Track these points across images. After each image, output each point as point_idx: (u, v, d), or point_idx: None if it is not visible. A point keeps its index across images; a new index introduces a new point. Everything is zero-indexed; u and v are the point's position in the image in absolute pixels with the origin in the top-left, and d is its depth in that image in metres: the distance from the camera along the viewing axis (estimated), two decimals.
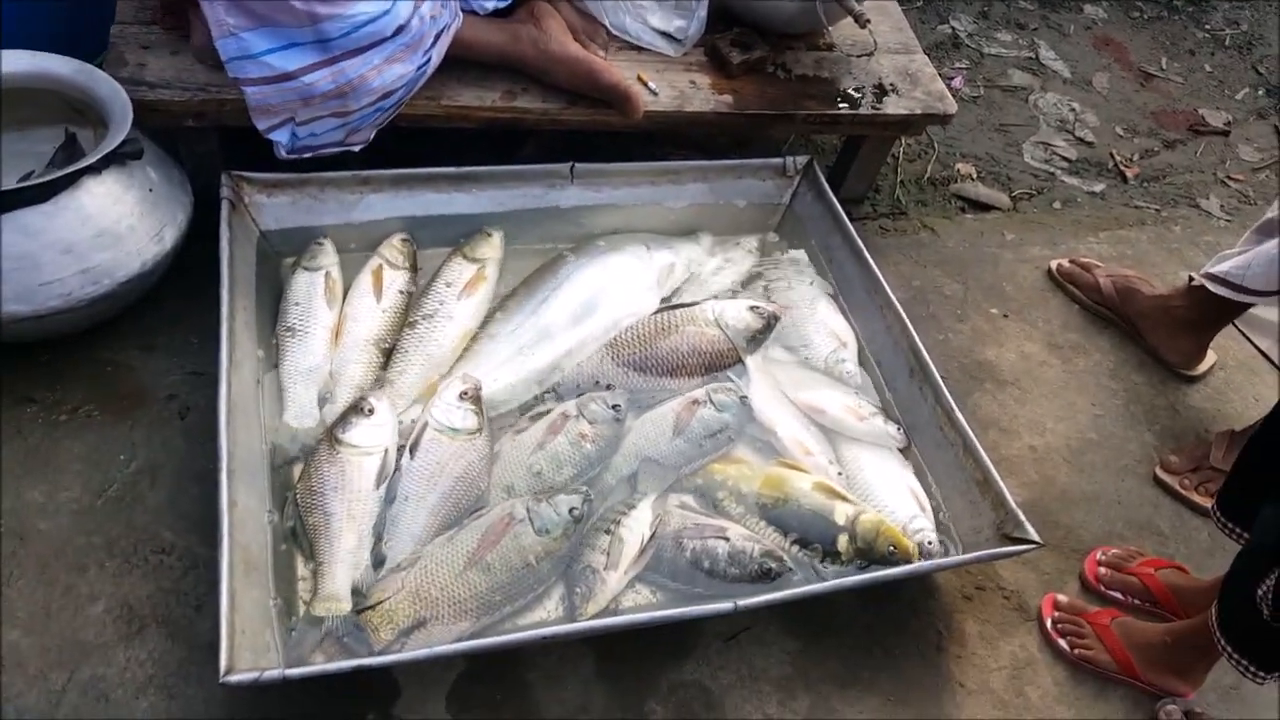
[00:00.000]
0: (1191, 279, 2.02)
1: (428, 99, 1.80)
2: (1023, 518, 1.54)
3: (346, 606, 1.40)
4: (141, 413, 1.61)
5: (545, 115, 1.88)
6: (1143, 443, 1.95)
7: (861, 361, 1.87)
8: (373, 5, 1.52)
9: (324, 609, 1.39)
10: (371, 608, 1.39)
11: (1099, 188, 2.64)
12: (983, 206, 2.49)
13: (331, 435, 1.53)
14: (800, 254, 2.08)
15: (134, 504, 1.50)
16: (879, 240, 2.27)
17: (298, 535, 1.46)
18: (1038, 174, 2.64)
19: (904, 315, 1.81)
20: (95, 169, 1.51)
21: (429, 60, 1.69)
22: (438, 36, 1.69)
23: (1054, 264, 2.27)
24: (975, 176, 2.57)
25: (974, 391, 1.98)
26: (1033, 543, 1.51)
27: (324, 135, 1.68)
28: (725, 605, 1.37)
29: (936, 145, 2.62)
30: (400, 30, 1.58)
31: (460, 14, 1.76)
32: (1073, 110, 2.88)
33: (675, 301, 1.88)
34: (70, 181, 1.50)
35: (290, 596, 1.41)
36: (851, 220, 2.27)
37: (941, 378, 1.85)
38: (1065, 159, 2.71)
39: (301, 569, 1.45)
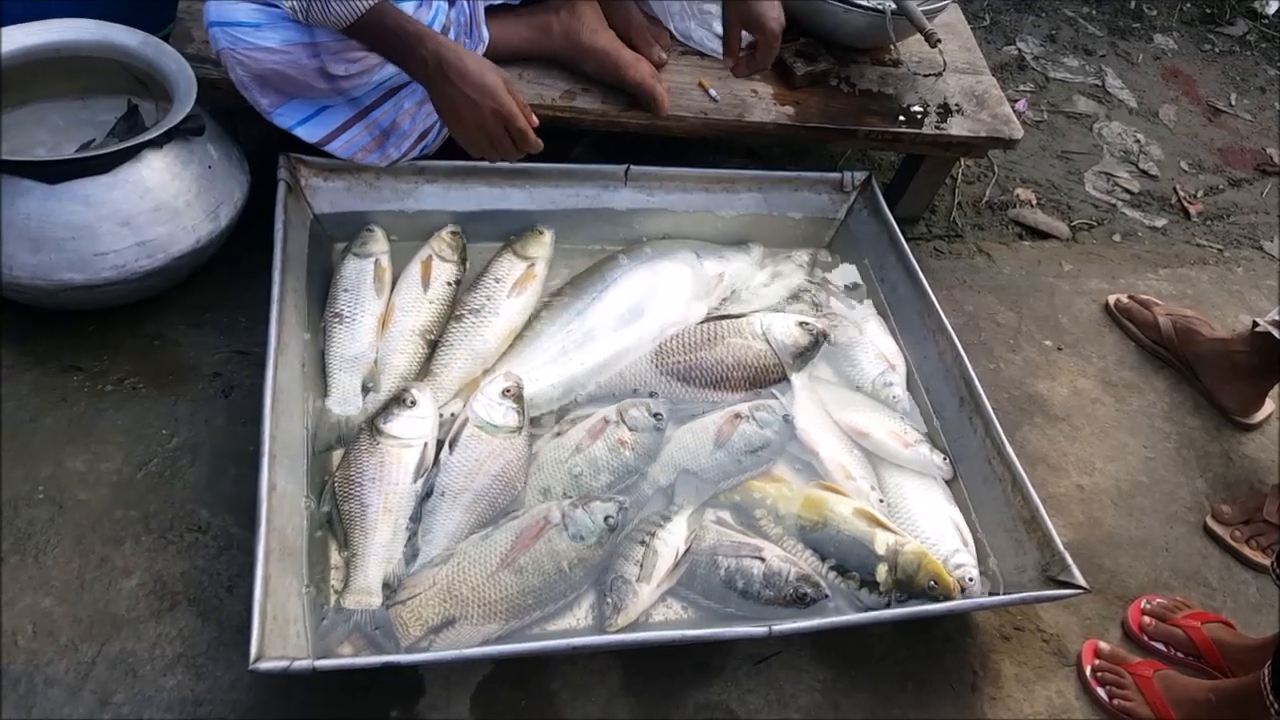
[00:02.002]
0: (1256, 324, 1.96)
1: None
2: (1069, 561, 1.49)
3: (377, 601, 1.39)
4: (186, 388, 1.61)
5: (604, 116, 1.86)
6: (1194, 490, 1.89)
7: (910, 387, 1.84)
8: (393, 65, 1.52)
9: (354, 602, 1.38)
10: (402, 603, 1.38)
11: (1161, 223, 2.57)
12: (1041, 234, 2.44)
13: (372, 425, 1.52)
14: (851, 269, 2.05)
15: (173, 480, 1.50)
16: (933, 262, 2.23)
17: (333, 523, 1.45)
18: (1099, 204, 2.58)
19: (957, 341, 1.77)
20: (157, 143, 1.51)
21: None
22: None
23: (1112, 299, 2.21)
24: (1035, 203, 2.52)
25: (1023, 425, 1.93)
26: (1079, 588, 1.47)
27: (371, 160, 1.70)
28: (759, 629, 1.35)
29: (996, 169, 2.57)
30: None
31: (487, 34, 1.75)
32: (1137, 141, 2.82)
33: (722, 312, 1.85)
34: (132, 154, 1.50)
35: (323, 584, 1.40)
36: (907, 240, 2.24)
37: (992, 409, 1.82)
38: (1127, 191, 2.65)
39: (335, 557, 1.44)
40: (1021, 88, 2.89)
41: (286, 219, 1.65)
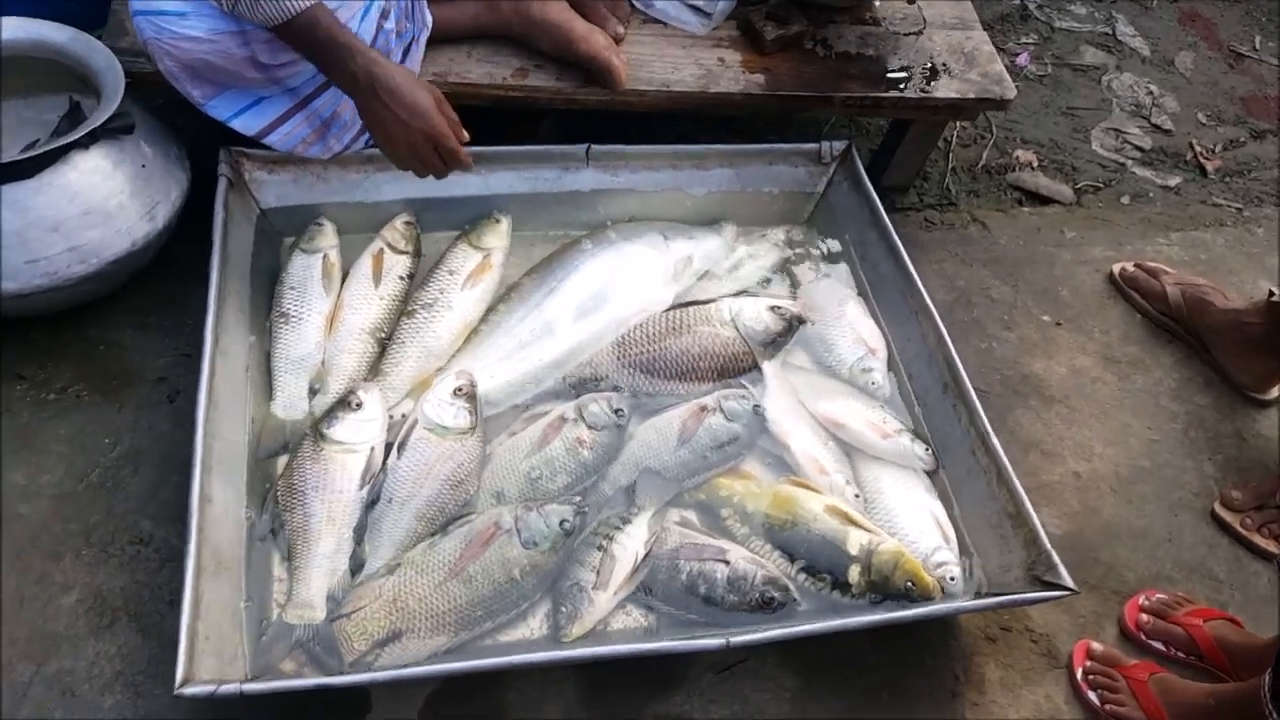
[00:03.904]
0: (1272, 294, 1.83)
1: (434, 77, 1.70)
2: (1056, 560, 1.40)
3: (320, 615, 1.33)
4: (130, 394, 1.56)
5: (559, 94, 1.77)
6: (1202, 474, 1.78)
7: (891, 372, 1.74)
8: None
9: (296, 616, 1.33)
10: (346, 616, 1.33)
11: (1174, 181, 2.43)
12: (1042, 199, 2.31)
13: (316, 430, 1.46)
14: (834, 244, 1.95)
15: (115, 491, 1.46)
16: (923, 234, 2.11)
17: (276, 534, 1.40)
18: (1106, 164, 2.44)
19: (940, 323, 1.66)
20: (83, 144, 1.45)
21: None
22: (407, 50, 1.62)
23: (1117, 268, 2.09)
24: (1036, 165, 2.38)
25: (1016, 408, 1.83)
26: (1066, 589, 1.37)
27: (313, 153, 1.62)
28: (716, 642, 1.28)
29: (995, 129, 2.44)
30: None
31: (430, 17, 1.66)
32: (1150, 93, 2.66)
33: (691, 298, 1.76)
34: (57, 157, 1.44)
35: (265, 597, 1.35)
36: (895, 210, 2.15)
37: (980, 392, 1.73)
38: (1138, 148, 2.50)
39: (278, 568, 1.39)
40: (1024, 39, 2.74)
41: (227, 216, 1.59)
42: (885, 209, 1.84)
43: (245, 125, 1.52)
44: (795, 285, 1.87)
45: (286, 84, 1.51)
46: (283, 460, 1.48)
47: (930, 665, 1.47)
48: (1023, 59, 2.64)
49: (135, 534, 1.42)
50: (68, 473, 1.46)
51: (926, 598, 1.43)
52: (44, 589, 1.36)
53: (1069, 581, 1.38)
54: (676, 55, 1.87)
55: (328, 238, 1.69)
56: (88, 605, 1.35)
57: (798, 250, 1.93)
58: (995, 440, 1.53)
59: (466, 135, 1.43)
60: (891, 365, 1.75)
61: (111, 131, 1.48)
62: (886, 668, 1.45)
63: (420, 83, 1.38)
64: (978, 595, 1.48)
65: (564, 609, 1.38)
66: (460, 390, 1.51)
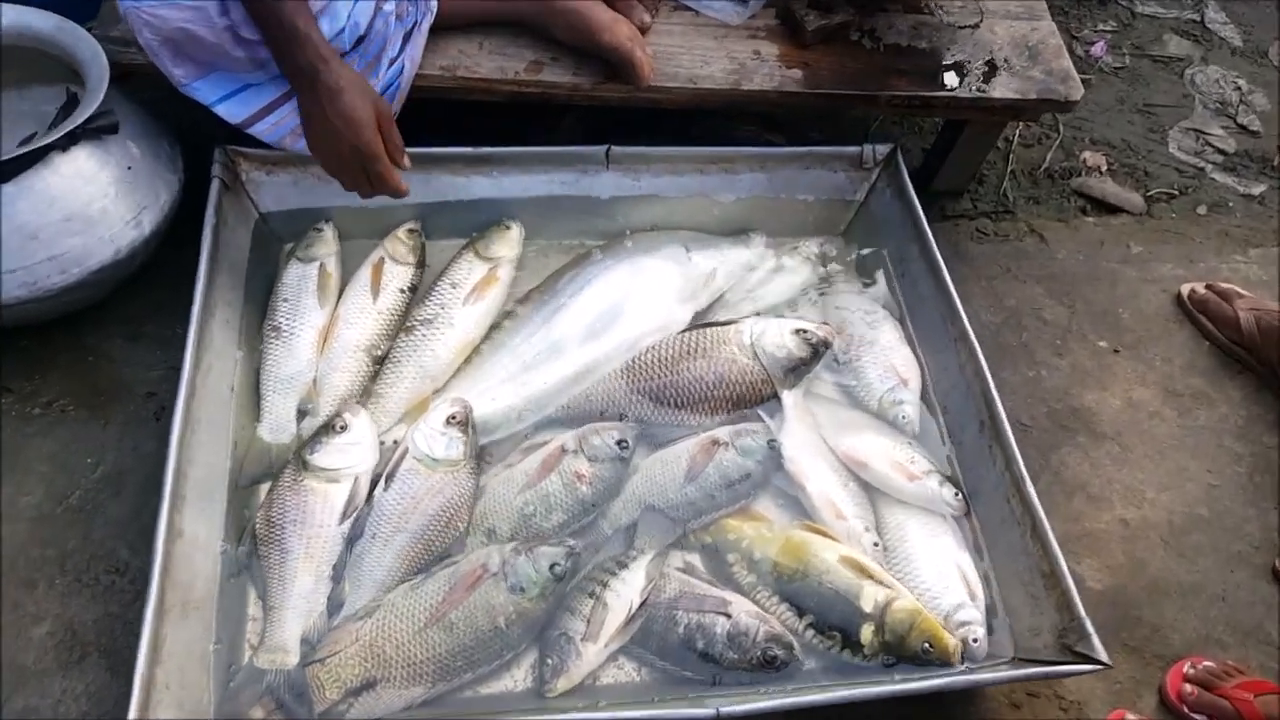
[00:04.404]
0: None
1: (442, 70, 1.60)
2: (1090, 629, 1.27)
3: (293, 660, 1.27)
4: (117, 410, 1.50)
5: (577, 91, 1.65)
6: (1265, 524, 1.62)
7: (926, 404, 1.60)
8: (324, 25, 1.32)
9: (268, 661, 1.26)
10: (320, 661, 1.26)
11: (1258, 190, 2.21)
12: (1109, 208, 2.12)
13: (299, 456, 1.39)
14: (872, 259, 1.80)
15: (94, 515, 1.40)
16: (974, 247, 1.96)
17: (253, 570, 1.33)
18: (1183, 169, 2.23)
19: (979, 353, 1.52)
20: (62, 145, 1.38)
21: (402, 68, 1.50)
22: (407, 36, 1.50)
23: (1186, 289, 1.91)
24: (1104, 170, 2.19)
25: (1063, 445, 1.68)
26: (1098, 663, 1.24)
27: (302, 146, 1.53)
28: (705, 711, 1.17)
29: (1061, 128, 2.25)
30: (361, 41, 1.39)
31: (434, 3, 1.54)
32: (1238, 89, 2.43)
33: (712, 318, 1.65)
34: (34, 160, 1.37)
35: (237, 638, 1.29)
36: (946, 218, 2.00)
37: (1024, 427, 1.61)
38: (1220, 151, 2.29)
39: (254, 606, 1.33)
40: (1101, 27, 2.52)
41: (219, 222, 1.51)
42: (935, 216, 1.69)
43: (230, 112, 1.43)
44: (825, 304, 1.73)
45: (273, 69, 1.41)
46: (266, 488, 1.41)
47: None
48: (1098, 48, 2.42)
49: (112, 562, 1.36)
50: (48, 494, 1.41)
51: (945, 661, 1.32)
52: (15, 619, 1.31)
53: (1102, 655, 1.25)
54: (707, 47, 1.73)
55: (326, 245, 1.60)
56: (58, 638, 1.30)
57: (832, 265, 1.79)
58: (1031, 489, 1.39)
59: (408, 163, 1.35)
60: (925, 397, 1.61)
61: (94, 131, 1.40)
62: None
63: (368, 93, 1.29)
64: (1001, 657, 1.36)
65: (550, 661, 1.29)
66: (454, 419, 1.42)
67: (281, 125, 1.47)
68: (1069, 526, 1.57)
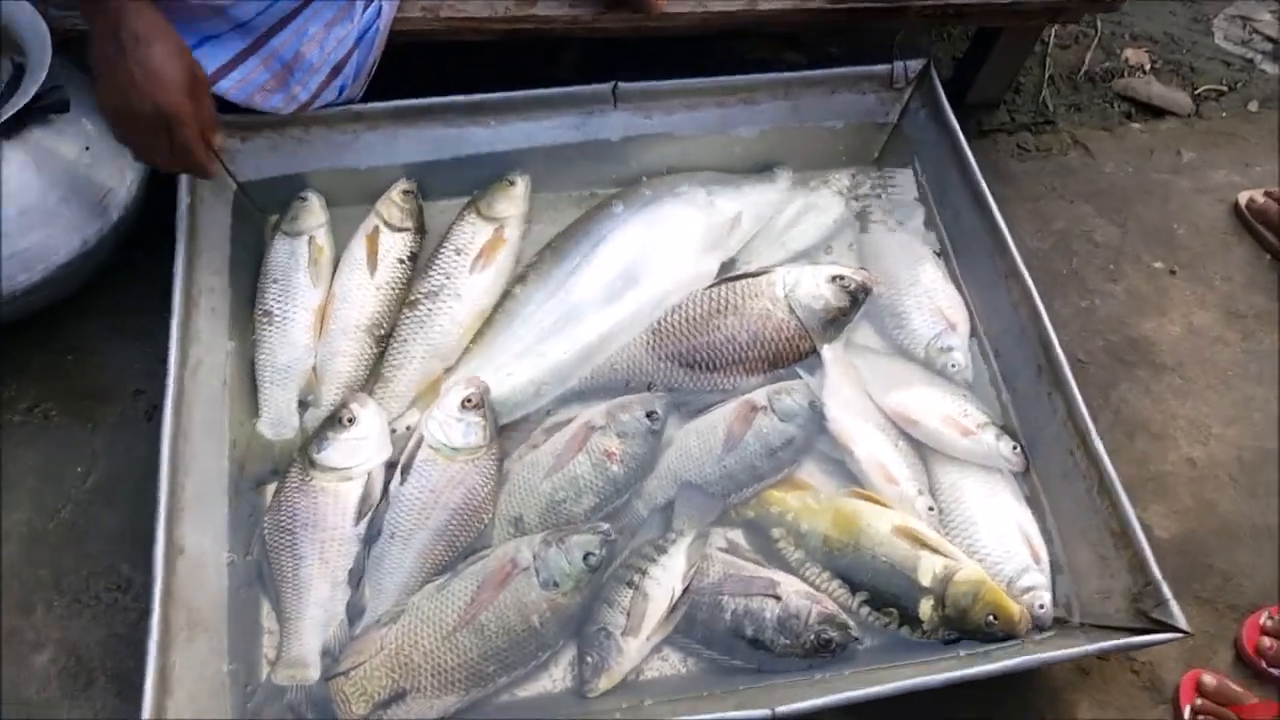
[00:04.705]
0: None
1: (424, 11, 1.44)
2: (1167, 594, 1.17)
3: (314, 674, 1.19)
4: (104, 412, 1.40)
5: (577, 23, 1.49)
6: None
7: (974, 349, 1.48)
8: None
9: (287, 676, 1.18)
10: (344, 674, 1.17)
11: None
12: (1155, 111, 1.96)
13: (305, 454, 1.28)
14: (909, 189, 1.66)
15: (89, 529, 1.31)
16: (1015, 165, 1.81)
17: (264, 579, 1.24)
18: (1230, 61, 2.06)
19: (1034, 292, 1.39)
20: (7, 132, 1.23)
21: (379, 9, 1.34)
22: None
23: (1243, 197, 1.76)
24: (1148, 68, 2.02)
25: (1121, 380, 1.56)
26: (1178, 632, 1.15)
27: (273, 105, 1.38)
28: (760, 713, 1.09)
29: (1099, 25, 2.06)
30: None
31: None
32: None
33: (738, 269, 1.52)
34: None
35: (253, 655, 1.21)
36: (982, 134, 1.84)
37: (1080, 364, 1.50)
38: (1269, 39, 2.10)
39: (267, 617, 1.24)
40: None
41: (194, 199, 1.37)
42: (971, 132, 1.56)
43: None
44: (862, 243, 1.59)
45: (234, 17, 1.26)
46: (272, 489, 1.30)
47: (1011, 708, 1.28)
48: None
49: (113, 579, 1.27)
50: (37, 509, 1.31)
51: (1010, 633, 1.23)
52: (13, 648, 1.23)
53: (1182, 622, 1.16)
54: None
55: (314, 215, 1.47)
56: (61, 665, 1.22)
57: (865, 199, 1.64)
58: (1098, 442, 1.28)
59: (220, 140, 1.19)
60: (975, 340, 1.49)
61: (43, 111, 1.26)
62: (962, 711, 1.26)
63: (182, 52, 1.11)
64: (1065, 623, 1.27)
65: (589, 659, 1.21)
66: (469, 402, 1.31)
67: (249, 82, 1.33)
68: (1132, 470, 1.46)
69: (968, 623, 1.23)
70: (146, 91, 1.08)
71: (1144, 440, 1.51)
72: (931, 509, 1.33)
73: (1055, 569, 1.31)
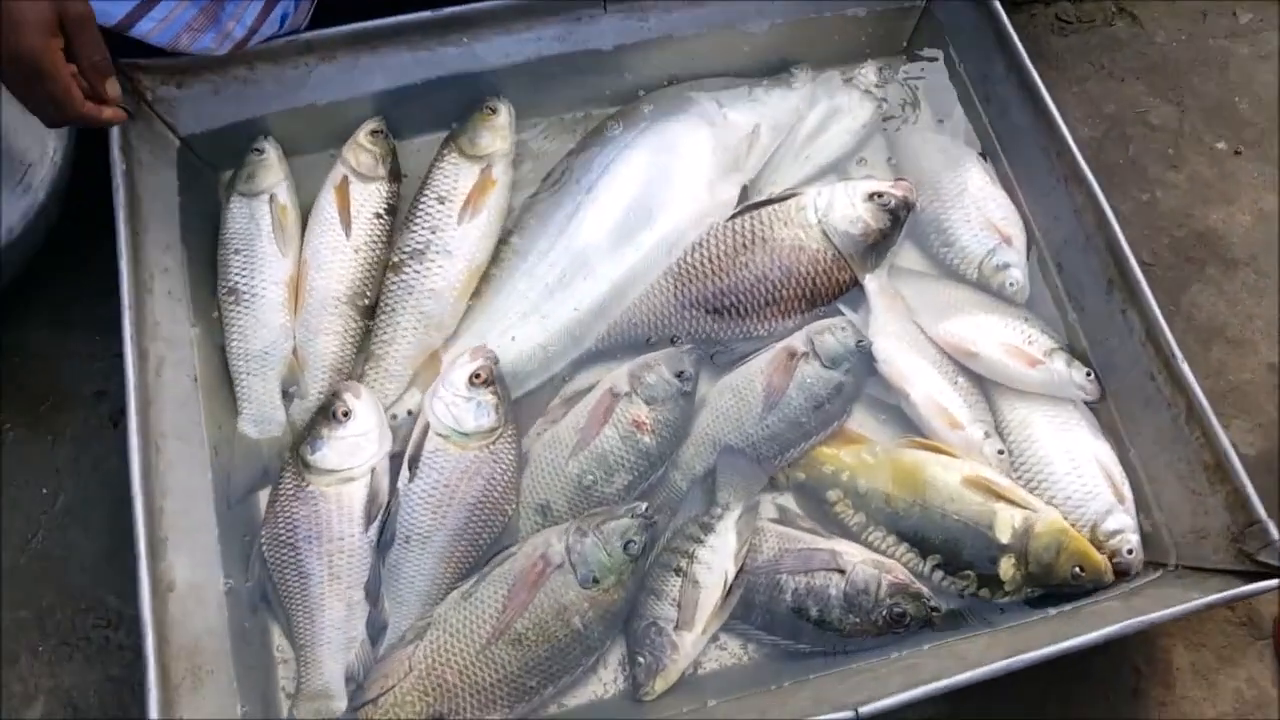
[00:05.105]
0: None
1: None
2: (1275, 534, 1.06)
3: (340, 704, 1.06)
4: (65, 421, 1.23)
5: None
6: None
7: (1031, 264, 1.32)
8: None
9: (311, 711, 1.06)
10: (373, 702, 1.05)
11: None
12: None
13: (298, 456, 1.13)
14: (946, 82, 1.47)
15: (66, 558, 1.16)
16: (1057, 41, 1.60)
17: (270, 601, 1.11)
18: None
19: (1099, 194, 1.22)
20: None
21: None
22: None
23: None
24: None
25: (1191, 282, 1.41)
26: None
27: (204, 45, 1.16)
28: (843, 715, 0.98)
29: None
30: None
31: None
32: None
33: (761, 193, 1.34)
34: None
35: (269, 690, 1.09)
36: (1017, 8, 1.63)
37: (1145, 266, 1.34)
38: None
39: (280, 641, 1.11)
40: None
41: (131, 163, 1.17)
42: (1004, 7, 1.34)
43: (104, 12, 1.06)
44: (896, 149, 1.41)
45: None
46: (264, 496, 1.16)
47: (1102, 661, 1.18)
48: None
49: (100, 615, 1.14)
50: (6, 542, 1.16)
51: (1098, 584, 1.13)
52: (4, 704, 1.10)
53: None
54: None
55: (271, 170, 1.27)
56: (58, 718, 1.09)
57: (899, 96, 1.45)
58: (1184, 365, 1.14)
59: (114, 92, 1.00)
60: (1033, 255, 1.33)
61: None
62: (1050, 670, 1.16)
63: None
64: (1160, 567, 1.16)
65: (642, 659, 1.09)
66: (478, 377, 1.15)
67: (173, 20, 1.12)
68: (1211, 383, 1.33)
69: (1053, 577, 1.12)
70: (5, 38, 0.89)
71: (1220, 348, 1.37)
72: (1001, 453, 1.20)
73: (1141, 507, 1.19)
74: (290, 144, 1.31)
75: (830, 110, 1.42)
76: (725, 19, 1.40)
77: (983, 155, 1.39)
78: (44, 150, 1.16)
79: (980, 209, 1.32)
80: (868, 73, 1.45)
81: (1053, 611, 1.13)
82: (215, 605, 1.07)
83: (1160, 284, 1.39)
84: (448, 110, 1.35)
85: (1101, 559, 1.12)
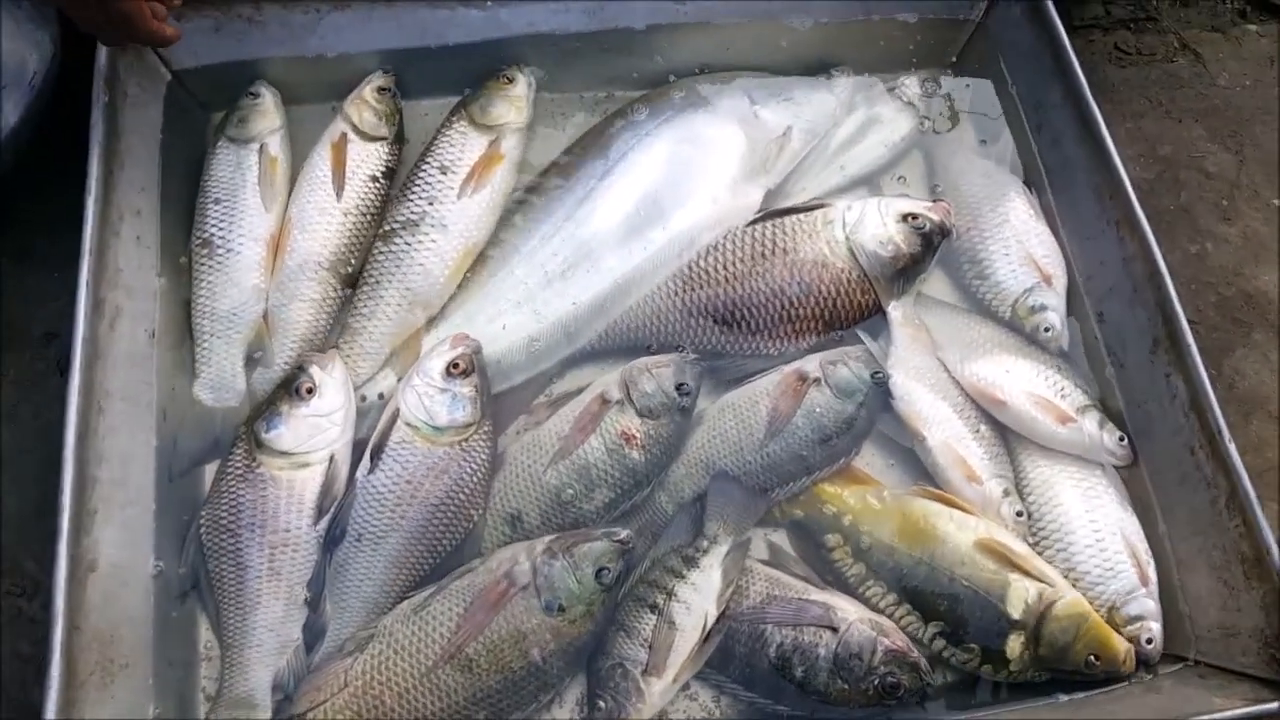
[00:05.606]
0: None
1: None
2: None
3: (262, 716, 0.96)
4: (8, 362, 1.14)
5: None
6: None
7: (1072, 310, 1.22)
8: None
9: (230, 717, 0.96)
10: (299, 717, 0.95)
11: None
12: (1274, 9, 1.64)
13: (251, 432, 1.03)
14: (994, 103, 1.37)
15: None
16: (1113, 72, 1.51)
17: (201, 591, 1.01)
18: None
19: (1153, 243, 1.13)
20: None
21: None
22: None
23: None
24: None
25: (1235, 346, 1.32)
26: None
27: None
28: None
29: None
30: None
31: None
32: None
33: (787, 199, 1.24)
34: None
35: (186, 691, 0.98)
36: (1073, 33, 1.52)
37: (1190, 324, 1.21)
38: None
39: (206, 636, 1.01)
40: None
41: (114, 94, 1.08)
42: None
43: None
44: (935, 169, 1.31)
45: None
46: (212, 471, 1.05)
47: None
48: None
49: (16, 581, 1.04)
50: None
51: (1113, 675, 1.02)
52: None
53: None
54: None
55: (266, 117, 1.18)
56: None
57: (941, 112, 1.35)
58: (1232, 446, 1.04)
59: (163, 8, 1.00)
60: (1072, 300, 1.22)
61: None
62: None
63: None
64: (1179, 660, 1.06)
65: (602, 704, 0.99)
66: (456, 367, 1.05)
67: None
68: (1249, 459, 1.20)
69: (1064, 663, 1.02)
70: None
71: (1260, 421, 1.27)
72: (1020, 515, 1.10)
73: (1164, 591, 1.08)
74: (290, 92, 1.23)
75: (868, 119, 1.32)
76: (767, 11, 1.31)
77: (1027, 185, 1.29)
78: (21, 71, 1.06)
79: (1022, 243, 1.22)
80: (911, 84, 1.36)
81: (1064, 698, 1.03)
82: (141, 590, 0.97)
83: (1202, 344, 1.26)
84: (462, 76, 1.27)
85: (1121, 649, 1.03)
